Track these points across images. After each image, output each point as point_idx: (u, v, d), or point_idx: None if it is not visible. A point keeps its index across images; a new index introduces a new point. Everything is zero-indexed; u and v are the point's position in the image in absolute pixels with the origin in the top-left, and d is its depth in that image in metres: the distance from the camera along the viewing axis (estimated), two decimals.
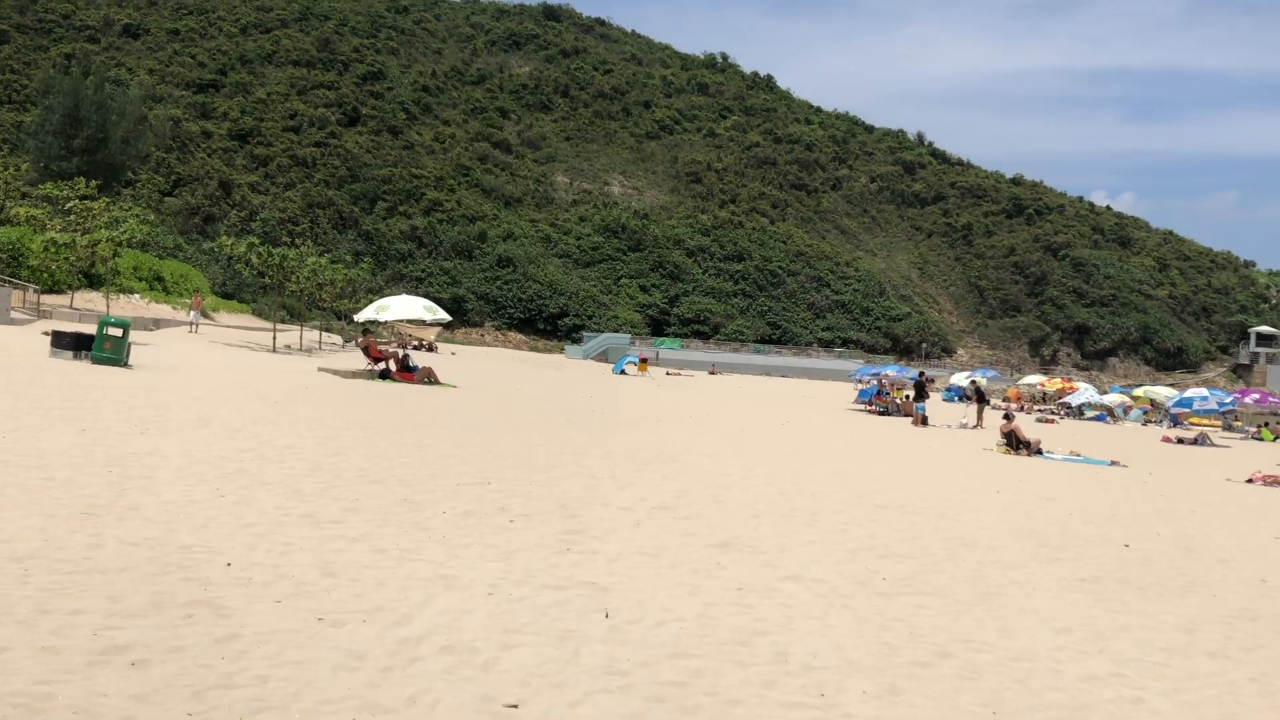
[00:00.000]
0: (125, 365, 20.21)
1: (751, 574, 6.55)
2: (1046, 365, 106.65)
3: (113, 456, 9.17)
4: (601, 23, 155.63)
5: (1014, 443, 22.03)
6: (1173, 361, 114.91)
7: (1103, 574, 7.21)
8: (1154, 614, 6.35)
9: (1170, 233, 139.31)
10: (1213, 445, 32.47)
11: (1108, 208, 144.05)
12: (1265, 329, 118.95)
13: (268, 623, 4.89)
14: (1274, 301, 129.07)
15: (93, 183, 45.81)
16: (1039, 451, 21.95)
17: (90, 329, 22.31)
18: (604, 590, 5.89)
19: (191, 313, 39.37)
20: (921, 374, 33.27)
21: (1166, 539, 9.38)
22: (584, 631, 5.15)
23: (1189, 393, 45.50)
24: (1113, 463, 21.17)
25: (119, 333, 20.44)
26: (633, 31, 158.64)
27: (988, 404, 38.04)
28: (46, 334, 22.54)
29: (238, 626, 4.80)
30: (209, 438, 10.99)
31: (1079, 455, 22.36)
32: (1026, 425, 27.50)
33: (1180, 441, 32.66)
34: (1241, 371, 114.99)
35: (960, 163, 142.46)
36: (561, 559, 6.60)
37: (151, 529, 6.55)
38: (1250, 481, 19.17)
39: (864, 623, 5.67)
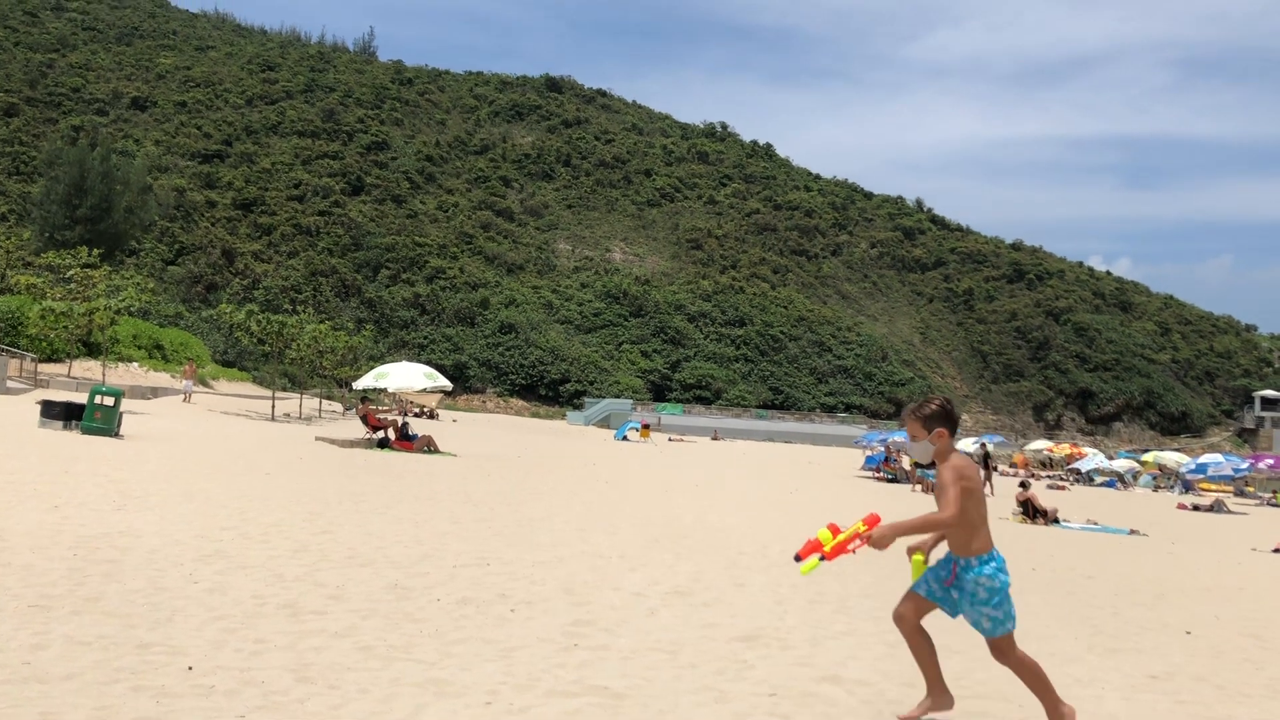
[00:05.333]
0: (116, 435, 19.58)
1: (784, 674, 5.81)
2: (1051, 430, 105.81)
3: (81, 537, 8.47)
4: (603, 93, 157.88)
5: (1031, 511, 21.28)
6: (1177, 426, 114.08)
7: (1173, 669, 6.46)
8: None
9: (1171, 297, 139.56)
10: (1229, 512, 31.66)
11: (1107, 272, 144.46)
12: (1270, 393, 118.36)
13: None
14: (1277, 365, 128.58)
15: (95, 251, 45.66)
16: (1056, 520, 21.21)
17: (86, 398, 21.73)
18: (619, 698, 5.16)
19: (185, 381, 38.73)
20: None
21: (1227, 623, 8.62)
22: None
23: (1204, 458, 44.70)
24: (1132, 531, 20.46)
25: (110, 402, 19.84)
26: (633, 102, 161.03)
27: (996, 470, 37.23)
28: (40, 404, 21.95)
29: None
30: (190, 514, 10.29)
31: (1097, 524, 21.62)
32: (1037, 492, 26.75)
33: (1196, 508, 31.88)
34: (1247, 436, 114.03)
35: (960, 228, 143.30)
36: (568, 657, 5.86)
37: (109, 624, 5.84)
38: (1278, 551, 18.44)
39: None
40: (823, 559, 4.49)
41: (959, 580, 4.67)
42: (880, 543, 4.46)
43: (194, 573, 7.47)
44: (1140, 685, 6.12)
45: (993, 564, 4.63)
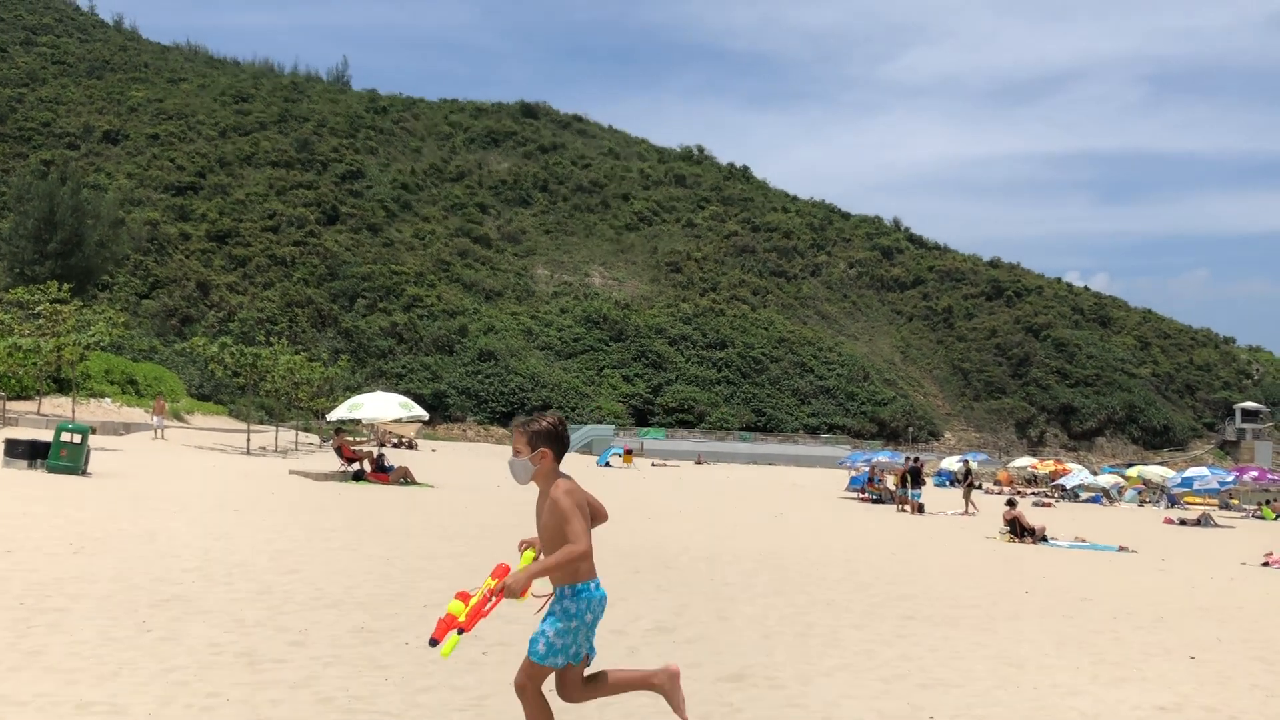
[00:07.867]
0: (83, 473, 19.03)
1: (774, 717, 5.46)
2: (1034, 447, 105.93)
3: (31, 583, 8.03)
4: (579, 119, 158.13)
5: (1018, 530, 21.01)
6: (1160, 440, 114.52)
7: (1182, 699, 6.15)
8: None
9: (1149, 311, 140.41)
10: (1216, 526, 31.57)
11: (1085, 288, 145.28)
12: (1250, 405, 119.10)
13: None
14: (1256, 377, 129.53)
15: (65, 286, 44.97)
16: (1044, 539, 20.95)
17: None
18: None
19: (154, 418, 38.01)
20: (916, 460, 32.33)
21: (1231, 646, 8.33)
22: None
23: (1189, 472, 44.68)
24: (1120, 548, 20.22)
25: (77, 439, 19.28)
26: (609, 127, 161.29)
27: (979, 487, 37.00)
28: (4, 442, 21.36)
29: None
30: (151, 556, 9.85)
31: (1084, 541, 21.38)
32: (1023, 509, 26.56)
33: (1183, 523, 31.78)
34: (1229, 448, 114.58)
35: (938, 247, 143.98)
36: None
37: (47, 681, 5.43)
38: (1266, 564, 18.24)
39: None
40: (461, 632, 4.13)
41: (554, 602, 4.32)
42: (515, 590, 4.15)
43: (148, 620, 7.05)
44: (1150, 719, 5.81)
45: (586, 594, 4.30)
